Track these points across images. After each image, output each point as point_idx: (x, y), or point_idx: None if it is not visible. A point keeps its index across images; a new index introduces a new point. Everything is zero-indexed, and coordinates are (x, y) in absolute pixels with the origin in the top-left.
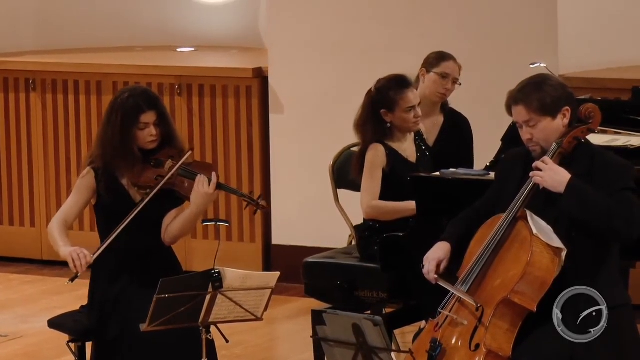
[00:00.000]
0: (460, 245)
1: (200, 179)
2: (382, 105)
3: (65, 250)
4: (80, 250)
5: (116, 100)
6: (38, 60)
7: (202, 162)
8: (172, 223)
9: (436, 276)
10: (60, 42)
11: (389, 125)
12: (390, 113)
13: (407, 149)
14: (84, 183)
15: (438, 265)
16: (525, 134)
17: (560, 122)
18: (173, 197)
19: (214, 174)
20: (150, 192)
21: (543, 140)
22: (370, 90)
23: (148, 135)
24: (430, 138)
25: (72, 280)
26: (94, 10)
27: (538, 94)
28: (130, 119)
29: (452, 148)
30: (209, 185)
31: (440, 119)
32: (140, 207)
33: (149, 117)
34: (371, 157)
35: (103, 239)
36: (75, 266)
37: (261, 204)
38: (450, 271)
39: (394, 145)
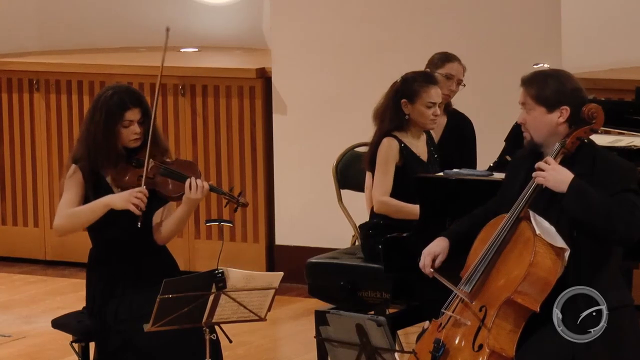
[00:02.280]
0: (461, 242)
1: (190, 184)
2: (404, 95)
3: (117, 199)
4: (133, 192)
5: (99, 98)
6: (41, 60)
7: (183, 160)
8: (165, 223)
9: (432, 270)
10: (64, 43)
11: (407, 117)
12: (411, 104)
13: (420, 146)
14: (74, 179)
15: (434, 260)
16: (520, 115)
17: (555, 118)
18: (158, 196)
19: (202, 180)
20: None
21: (532, 129)
22: (395, 82)
23: (132, 133)
24: (434, 138)
25: (141, 222)
26: (97, 10)
27: (541, 83)
28: (115, 116)
29: (455, 149)
30: (197, 191)
31: (443, 120)
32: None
33: (133, 114)
34: (385, 151)
35: (93, 237)
36: (139, 208)
37: (241, 202)
38: (447, 267)
39: (407, 141)
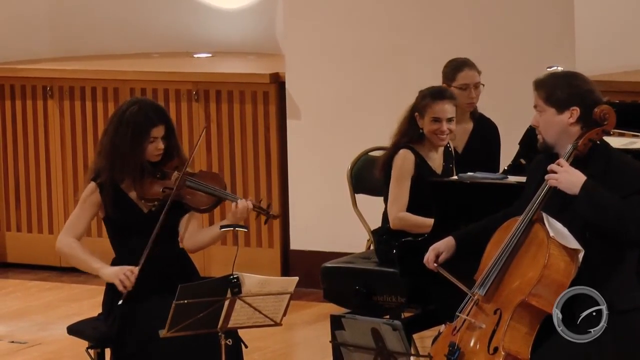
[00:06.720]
0: (470, 243)
1: (236, 205)
2: (416, 109)
3: (108, 271)
4: (124, 269)
5: (124, 112)
6: (55, 67)
7: (207, 172)
8: (200, 234)
9: (436, 265)
10: (77, 49)
11: (421, 131)
12: (421, 119)
13: (437, 159)
14: (90, 200)
15: (437, 256)
16: (533, 118)
17: (566, 119)
18: (182, 206)
19: (248, 201)
20: (158, 204)
21: (544, 131)
22: None
23: (155, 149)
24: (460, 144)
25: (125, 301)
26: (110, 16)
27: (550, 85)
28: (142, 133)
29: (481, 154)
30: (244, 211)
31: (469, 126)
32: (160, 220)
33: (159, 131)
34: (400, 165)
35: (116, 250)
36: (125, 286)
37: (272, 213)
38: (459, 268)
39: (424, 153)
